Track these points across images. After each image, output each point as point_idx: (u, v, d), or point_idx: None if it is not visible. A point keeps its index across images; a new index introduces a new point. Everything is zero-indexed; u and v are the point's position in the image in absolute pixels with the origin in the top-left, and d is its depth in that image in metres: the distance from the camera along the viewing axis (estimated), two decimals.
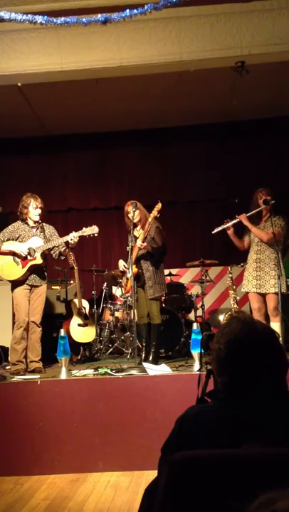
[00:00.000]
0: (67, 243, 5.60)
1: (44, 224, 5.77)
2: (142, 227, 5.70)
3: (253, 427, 1.47)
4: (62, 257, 5.75)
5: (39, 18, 3.73)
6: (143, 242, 5.52)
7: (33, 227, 5.66)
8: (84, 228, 5.66)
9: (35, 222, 5.66)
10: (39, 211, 5.64)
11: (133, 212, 5.56)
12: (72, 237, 5.53)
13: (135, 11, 3.59)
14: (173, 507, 1.36)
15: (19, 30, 5.30)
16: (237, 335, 1.59)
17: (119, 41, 5.31)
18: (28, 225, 5.65)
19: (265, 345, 1.57)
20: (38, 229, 5.69)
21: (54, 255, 5.71)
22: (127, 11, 3.64)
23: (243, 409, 1.50)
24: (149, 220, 5.55)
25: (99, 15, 3.70)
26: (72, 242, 5.55)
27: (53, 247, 5.65)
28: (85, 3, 4.83)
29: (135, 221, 5.65)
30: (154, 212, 5.55)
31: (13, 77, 5.68)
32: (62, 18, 3.72)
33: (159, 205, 5.56)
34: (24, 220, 5.66)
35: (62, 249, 5.65)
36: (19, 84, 6.11)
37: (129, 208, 5.62)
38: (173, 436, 1.59)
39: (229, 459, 1.39)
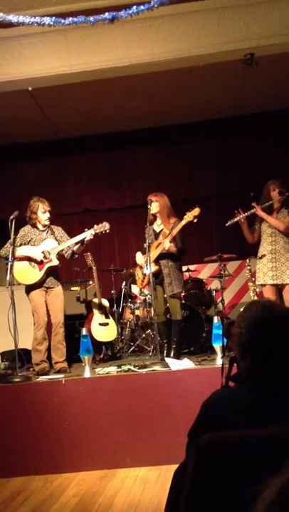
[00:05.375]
0: (83, 241, 5.57)
1: (53, 226, 5.79)
2: (162, 220, 5.61)
3: (276, 407, 1.48)
4: (76, 256, 5.73)
5: (47, 20, 3.78)
6: (170, 242, 5.39)
7: (42, 230, 5.69)
8: (95, 226, 5.63)
9: (44, 226, 5.70)
10: (48, 215, 5.66)
11: (150, 204, 5.52)
12: (89, 234, 5.52)
13: (142, 7, 3.61)
14: (201, 488, 1.39)
15: (27, 35, 5.36)
16: (257, 318, 1.61)
17: (127, 40, 5.33)
18: (38, 228, 5.68)
19: (285, 327, 1.59)
20: (47, 232, 5.72)
21: (66, 255, 5.72)
22: (134, 7, 3.66)
23: (266, 391, 1.51)
24: (183, 222, 5.36)
25: (106, 13, 3.74)
26: (88, 239, 5.54)
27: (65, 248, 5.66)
28: (91, 4, 4.86)
29: (153, 212, 5.57)
30: (190, 216, 5.33)
31: (24, 81, 5.73)
32: (70, 19, 3.76)
33: (196, 210, 5.34)
34: (34, 225, 5.69)
35: (75, 248, 5.63)
36: (30, 89, 6.17)
37: (149, 201, 5.55)
38: (199, 421, 1.62)
39: (254, 439, 1.40)
